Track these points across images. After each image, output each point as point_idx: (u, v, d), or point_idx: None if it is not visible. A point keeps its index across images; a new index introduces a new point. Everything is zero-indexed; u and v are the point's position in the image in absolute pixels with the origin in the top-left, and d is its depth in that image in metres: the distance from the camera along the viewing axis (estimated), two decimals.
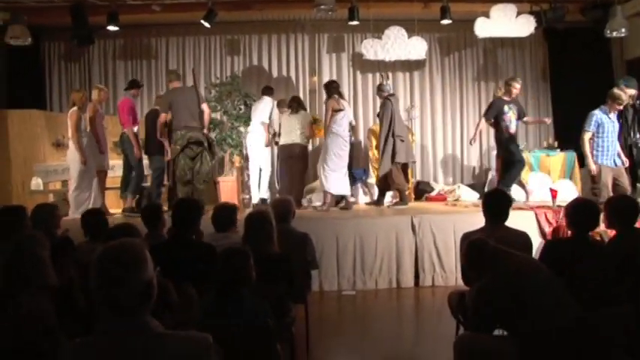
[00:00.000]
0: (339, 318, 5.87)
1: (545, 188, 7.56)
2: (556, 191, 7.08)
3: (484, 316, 2.90)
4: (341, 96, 7.79)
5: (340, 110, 7.53)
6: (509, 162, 7.41)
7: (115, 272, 1.78)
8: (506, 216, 3.94)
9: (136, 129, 7.53)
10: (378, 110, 8.09)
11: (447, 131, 10.08)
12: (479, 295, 2.92)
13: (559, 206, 6.63)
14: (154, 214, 4.40)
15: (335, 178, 7.56)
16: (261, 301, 2.92)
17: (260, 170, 8.31)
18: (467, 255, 3.21)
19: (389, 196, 8.04)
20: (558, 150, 8.81)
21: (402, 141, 7.51)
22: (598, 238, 4.87)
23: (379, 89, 7.97)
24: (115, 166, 8.11)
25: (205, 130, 7.08)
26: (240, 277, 2.91)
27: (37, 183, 7.86)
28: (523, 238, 3.89)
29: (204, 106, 7.09)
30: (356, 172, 8.60)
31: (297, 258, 3.89)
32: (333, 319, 5.79)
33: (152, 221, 4.32)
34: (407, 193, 7.95)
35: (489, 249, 3.06)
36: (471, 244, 3.18)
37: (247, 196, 8.48)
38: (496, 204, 3.99)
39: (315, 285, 6.01)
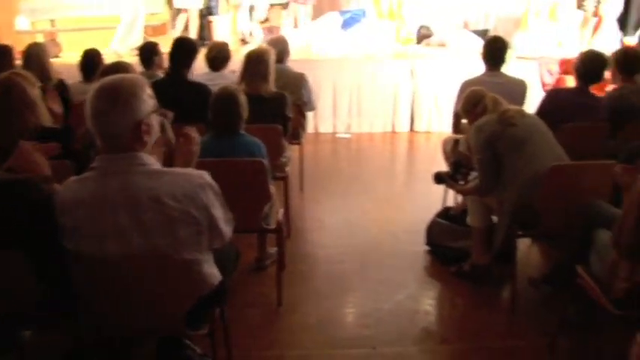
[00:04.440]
0: (334, 159, 6.01)
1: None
2: None
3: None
4: None
5: None
6: None
7: (102, 105, 1.73)
8: (503, 62, 4.03)
9: None
10: None
11: None
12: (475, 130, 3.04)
13: None
14: (149, 52, 4.31)
15: None
16: (256, 139, 2.95)
17: None
18: (463, 105, 3.30)
19: None
20: None
21: None
22: None
23: None
24: None
25: None
26: (233, 117, 2.93)
27: (23, 22, 7.58)
28: (520, 87, 4.00)
29: None
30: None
31: (292, 98, 3.88)
32: (328, 160, 5.92)
33: (147, 59, 4.25)
34: None
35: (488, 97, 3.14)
36: (467, 97, 3.27)
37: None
38: (494, 50, 4.06)
39: (310, 127, 6.06)
